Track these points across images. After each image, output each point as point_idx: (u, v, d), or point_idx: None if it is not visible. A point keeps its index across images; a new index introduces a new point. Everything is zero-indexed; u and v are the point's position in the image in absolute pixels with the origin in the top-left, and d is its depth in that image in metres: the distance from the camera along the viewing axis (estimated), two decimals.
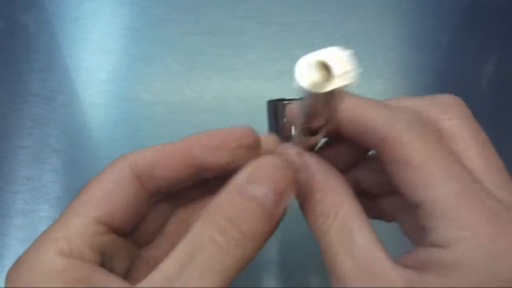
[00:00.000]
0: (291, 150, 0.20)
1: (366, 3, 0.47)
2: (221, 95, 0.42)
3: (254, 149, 0.22)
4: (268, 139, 0.23)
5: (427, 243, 0.17)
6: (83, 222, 0.19)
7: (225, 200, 0.18)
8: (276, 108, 0.26)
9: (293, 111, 0.22)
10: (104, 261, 0.19)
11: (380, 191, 0.24)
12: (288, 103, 0.25)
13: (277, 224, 0.19)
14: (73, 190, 0.40)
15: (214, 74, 0.43)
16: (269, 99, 0.27)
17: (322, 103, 0.16)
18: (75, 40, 0.45)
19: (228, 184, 0.18)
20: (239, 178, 0.18)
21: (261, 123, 0.41)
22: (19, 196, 0.39)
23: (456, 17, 0.47)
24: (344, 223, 0.19)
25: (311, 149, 0.22)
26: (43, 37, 0.45)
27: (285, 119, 0.25)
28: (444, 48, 0.45)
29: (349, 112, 0.20)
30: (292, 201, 0.21)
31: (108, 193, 0.20)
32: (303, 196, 0.20)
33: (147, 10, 0.47)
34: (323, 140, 0.22)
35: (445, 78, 0.43)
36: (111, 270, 0.19)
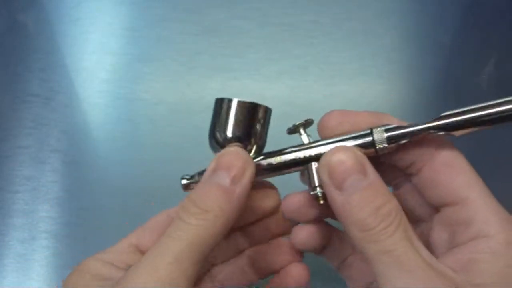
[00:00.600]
0: (350, 155, 0.23)
1: (366, 3, 0.47)
2: (221, 95, 0.42)
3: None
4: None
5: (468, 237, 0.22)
6: (122, 244, 0.27)
7: (194, 190, 0.24)
8: (252, 110, 0.27)
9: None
10: None
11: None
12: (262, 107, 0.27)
13: (239, 201, 0.23)
14: (73, 190, 0.40)
15: (214, 74, 0.43)
16: (223, 98, 0.27)
17: None
18: (75, 40, 0.45)
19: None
20: (206, 172, 0.24)
21: None
22: (19, 196, 0.39)
23: (457, 17, 0.47)
24: (405, 225, 0.22)
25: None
26: (43, 37, 0.45)
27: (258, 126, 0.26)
28: (445, 48, 0.45)
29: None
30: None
31: (145, 228, 0.28)
32: (360, 199, 0.22)
33: (147, 10, 0.47)
34: None
35: (445, 78, 0.43)
36: None
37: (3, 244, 0.38)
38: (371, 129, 0.25)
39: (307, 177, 0.26)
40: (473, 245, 0.22)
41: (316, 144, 0.26)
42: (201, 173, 0.27)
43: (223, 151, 0.25)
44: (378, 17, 0.46)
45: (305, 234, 0.27)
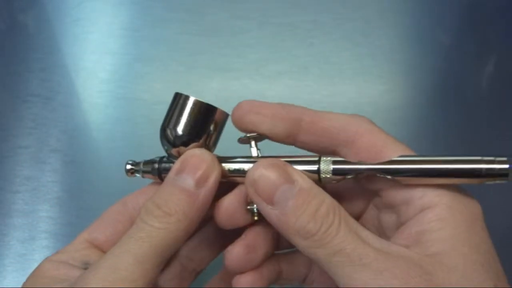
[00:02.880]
0: (271, 166, 0.23)
1: (366, 3, 0.47)
2: (221, 95, 0.42)
3: None
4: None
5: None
6: (76, 241, 0.26)
7: (157, 192, 0.24)
8: (207, 111, 0.26)
9: None
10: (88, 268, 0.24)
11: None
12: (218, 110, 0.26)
13: (203, 204, 0.23)
14: (73, 190, 0.40)
15: (214, 74, 0.43)
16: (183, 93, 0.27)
17: None
18: (75, 40, 0.45)
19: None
20: (170, 173, 0.24)
21: None
22: (19, 196, 0.39)
23: (457, 17, 0.47)
24: (346, 218, 0.22)
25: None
26: (43, 37, 0.45)
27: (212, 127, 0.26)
28: (445, 48, 0.45)
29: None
30: None
31: (100, 222, 0.27)
32: (295, 205, 0.22)
33: (147, 10, 0.47)
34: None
35: (445, 78, 0.43)
36: None
37: (3, 244, 0.38)
38: (320, 157, 0.24)
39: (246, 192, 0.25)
40: (419, 218, 0.21)
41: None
42: (147, 162, 0.27)
43: (188, 152, 0.24)
44: (378, 17, 0.46)
45: (247, 285, 0.26)
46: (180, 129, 0.25)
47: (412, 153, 0.22)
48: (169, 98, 0.43)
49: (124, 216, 0.27)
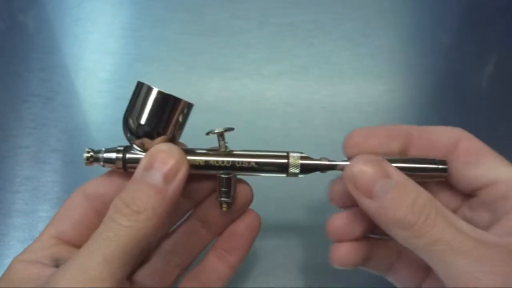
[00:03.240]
0: (370, 161, 0.24)
1: (366, 3, 0.47)
2: (221, 95, 0.42)
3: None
4: None
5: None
6: (43, 238, 0.26)
7: (125, 187, 0.24)
8: (170, 102, 0.26)
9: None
10: (59, 265, 0.24)
11: None
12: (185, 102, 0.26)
13: (171, 201, 0.23)
14: (73, 190, 0.40)
15: (214, 74, 0.43)
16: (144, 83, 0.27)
17: None
18: (75, 40, 0.45)
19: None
20: (137, 169, 0.24)
21: (261, 123, 0.41)
22: (19, 196, 0.39)
23: (456, 17, 0.47)
24: (442, 211, 0.23)
25: None
26: (43, 37, 0.45)
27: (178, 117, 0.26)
28: (445, 48, 0.45)
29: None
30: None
31: (62, 215, 0.27)
32: (393, 198, 0.23)
33: (147, 10, 0.47)
34: None
35: (445, 78, 0.43)
36: None
37: (3, 244, 0.38)
38: (288, 153, 0.26)
39: (217, 184, 0.26)
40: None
41: (225, 153, 0.26)
42: (109, 150, 0.26)
43: (156, 147, 0.24)
44: (378, 17, 0.46)
45: (343, 253, 0.27)
46: (143, 121, 0.25)
47: (503, 160, 0.25)
48: None
49: (86, 206, 0.27)
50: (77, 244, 0.26)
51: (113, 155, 0.26)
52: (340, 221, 0.27)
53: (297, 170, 0.26)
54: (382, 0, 0.47)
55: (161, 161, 0.24)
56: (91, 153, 0.26)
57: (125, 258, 0.22)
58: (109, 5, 0.47)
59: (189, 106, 0.26)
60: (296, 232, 0.36)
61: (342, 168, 0.26)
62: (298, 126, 0.41)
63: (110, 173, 0.28)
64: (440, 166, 0.25)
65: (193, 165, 0.26)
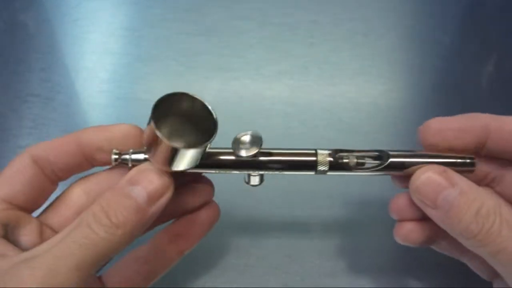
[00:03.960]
0: (433, 172, 0.24)
1: (366, 3, 0.47)
2: (221, 95, 0.42)
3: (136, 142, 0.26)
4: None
5: None
6: None
7: (106, 195, 0.23)
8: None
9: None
10: (8, 233, 0.24)
11: None
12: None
13: (149, 221, 0.24)
14: None
15: (214, 74, 0.43)
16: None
17: None
18: (75, 40, 0.45)
19: (114, 185, 0.24)
20: (123, 180, 0.24)
21: (261, 123, 0.41)
22: None
23: (457, 17, 0.47)
24: (509, 217, 0.22)
25: None
26: (43, 37, 0.45)
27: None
28: (445, 48, 0.45)
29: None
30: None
31: (9, 177, 0.25)
32: (457, 207, 0.23)
33: (147, 10, 0.47)
34: None
35: (445, 78, 0.43)
36: (16, 241, 0.24)
37: None
38: (316, 150, 0.26)
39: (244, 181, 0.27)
40: None
41: (264, 152, 0.26)
42: (135, 151, 0.26)
43: (145, 166, 0.24)
44: (378, 17, 0.46)
45: (407, 230, 0.27)
46: None
47: None
48: None
49: (36, 170, 0.26)
50: (26, 208, 0.26)
51: (141, 156, 0.26)
52: (403, 200, 0.27)
53: (326, 168, 0.25)
54: (382, 0, 0.47)
55: (148, 180, 0.24)
56: (118, 155, 0.26)
57: (96, 267, 0.22)
58: (109, 5, 0.47)
59: (206, 145, 0.25)
60: (297, 232, 0.36)
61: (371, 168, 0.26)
62: (298, 126, 0.41)
63: (60, 141, 0.27)
64: (468, 161, 0.26)
65: (221, 165, 0.26)
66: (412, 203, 0.26)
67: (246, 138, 0.25)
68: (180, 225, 0.29)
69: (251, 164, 0.26)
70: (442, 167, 0.25)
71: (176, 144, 0.23)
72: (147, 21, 0.46)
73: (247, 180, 0.27)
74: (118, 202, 0.23)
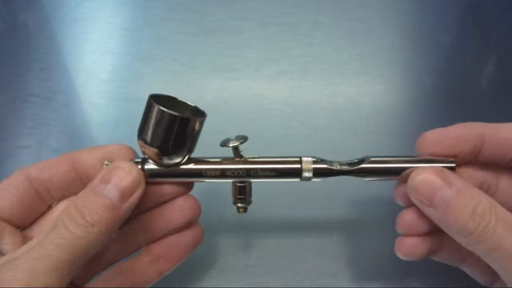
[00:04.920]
0: (430, 172, 0.25)
1: (366, 3, 0.47)
2: (221, 95, 0.42)
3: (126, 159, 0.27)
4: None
5: None
6: None
7: (81, 195, 0.24)
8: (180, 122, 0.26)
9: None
10: None
11: None
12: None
13: (123, 217, 0.24)
14: None
15: (214, 74, 0.43)
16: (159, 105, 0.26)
17: None
18: (75, 40, 0.45)
19: (88, 184, 0.25)
20: (95, 180, 0.25)
21: (261, 123, 0.41)
22: None
23: (457, 17, 0.47)
24: (503, 216, 0.23)
25: None
26: (43, 37, 0.45)
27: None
28: (445, 48, 0.45)
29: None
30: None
31: (1, 191, 0.26)
32: (454, 206, 0.24)
33: (147, 10, 0.47)
34: None
35: (445, 78, 0.43)
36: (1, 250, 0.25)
37: None
38: (300, 158, 0.27)
39: (232, 190, 0.28)
40: None
41: (241, 161, 0.27)
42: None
43: (117, 163, 0.25)
44: (378, 17, 0.46)
45: (408, 245, 0.28)
46: (155, 140, 0.26)
47: None
48: None
49: (28, 188, 0.27)
50: (13, 223, 0.26)
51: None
52: (410, 215, 0.27)
53: (310, 174, 0.27)
54: (382, 0, 0.47)
55: (119, 178, 0.24)
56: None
57: (74, 266, 0.23)
58: (109, 5, 0.47)
59: (201, 120, 0.27)
60: (296, 232, 0.36)
61: (360, 171, 0.27)
62: (298, 126, 0.41)
63: (56, 160, 0.28)
64: (449, 165, 0.26)
65: (209, 175, 0.27)
66: (419, 218, 0.27)
67: (233, 136, 0.27)
68: (162, 246, 0.29)
69: (237, 173, 0.27)
70: (439, 168, 0.25)
71: (175, 112, 0.24)
72: (147, 21, 0.46)
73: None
74: (92, 201, 0.24)
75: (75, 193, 0.27)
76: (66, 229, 0.23)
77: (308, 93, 0.42)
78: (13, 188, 0.27)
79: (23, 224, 0.28)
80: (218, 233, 0.35)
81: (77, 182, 0.28)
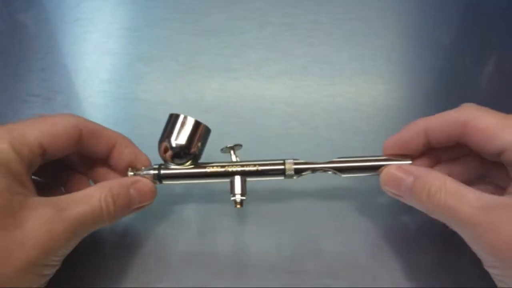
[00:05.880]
0: (393, 169, 0.31)
1: (366, 3, 0.47)
2: (221, 95, 0.42)
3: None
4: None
5: None
6: (31, 140, 0.28)
7: (115, 190, 0.29)
8: (200, 130, 0.32)
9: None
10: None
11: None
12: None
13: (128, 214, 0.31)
14: None
15: (214, 74, 0.43)
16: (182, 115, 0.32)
17: None
18: (75, 40, 0.45)
19: (123, 178, 0.32)
20: (128, 179, 0.31)
21: (261, 123, 0.41)
22: None
23: (456, 17, 0.47)
24: (453, 189, 0.28)
25: None
26: (43, 37, 0.45)
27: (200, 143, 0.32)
28: (445, 47, 0.45)
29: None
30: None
31: (54, 129, 0.29)
32: (415, 191, 0.29)
33: (147, 10, 0.47)
34: None
35: (445, 78, 0.43)
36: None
37: None
38: (284, 160, 0.33)
39: (230, 185, 0.33)
40: None
41: (239, 163, 0.33)
42: (147, 168, 0.33)
43: (149, 181, 0.32)
44: (378, 17, 0.46)
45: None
46: (175, 144, 0.31)
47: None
48: (169, 98, 0.43)
49: (74, 127, 0.30)
50: (49, 156, 0.29)
51: (151, 171, 0.32)
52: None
53: (292, 173, 0.33)
54: (382, 0, 0.47)
55: (146, 194, 0.32)
56: (134, 172, 0.33)
57: (84, 235, 0.29)
58: (109, 5, 0.47)
59: (208, 130, 0.32)
60: (296, 232, 0.36)
61: (328, 170, 0.33)
62: (298, 126, 0.41)
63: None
64: (405, 162, 0.32)
65: (212, 173, 0.33)
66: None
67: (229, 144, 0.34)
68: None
69: (234, 173, 0.33)
70: (403, 164, 0.31)
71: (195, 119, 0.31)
72: (147, 21, 0.46)
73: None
74: (122, 195, 0.30)
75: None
76: (101, 211, 0.28)
77: (308, 93, 0.42)
78: (62, 126, 0.29)
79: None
80: (218, 233, 0.35)
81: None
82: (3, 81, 0.43)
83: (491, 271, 0.27)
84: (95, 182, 0.34)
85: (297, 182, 0.34)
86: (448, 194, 0.27)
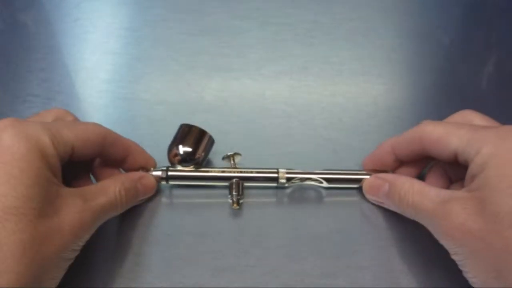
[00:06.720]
0: (372, 178, 0.36)
1: (366, 3, 0.47)
2: (221, 95, 0.42)
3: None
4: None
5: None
6: (65, 140, 0.29)
7: (126, 184, 0.33)
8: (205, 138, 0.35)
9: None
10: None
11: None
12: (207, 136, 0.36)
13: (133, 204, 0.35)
14: None
15: (214, 74, 0.43)
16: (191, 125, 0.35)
17: None
18: (75, 40, 0.45)
19: (131, 173, 0.35)
20: (137, 174, 0.35)
21: (261, 123, 0.41)
22: None
23: (457, 17, 0.47)
24: (419, 189, 0.31)
25: None
26: (43, 37, 0.45)
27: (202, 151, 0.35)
28: (445, 48, 0.45)
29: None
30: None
31: (85, 132, 0.31)
32: (390, 195, 0.33)
33: (147, 10, 0.47)
34: None
35: (445, 78, 0.43)
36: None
37: None
38: (277, 169, 0.36)
39: (229, 188, 0.35)
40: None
41: (237, 169, 0.36)
42: (156, 169, 0.36)
43: (152, 177, 0.35)
44: (378, 17, 0.46)
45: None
46: (182, 151, 0.35)
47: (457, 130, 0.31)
48: (169, 98, 0.43)
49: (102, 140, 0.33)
50: (75, 157, 0.31)
51: (159, 172, 0.35)
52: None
53: (284, 181, 0.35)
54: (382, 0, 0.47)
55: (151, 189, 0.36)
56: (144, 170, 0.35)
57: (99, 223, 0.31)
58: (109, 5, 0.47)
59: (212, 141, 0.36)
60: (296, 232, 0.36)
61: (314, 180, 0.35)
62: (298, 126, 0.41)
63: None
64: (364, 177, 0.36)
65: (214, 177, 0.36)
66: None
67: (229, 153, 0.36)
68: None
69: (232, 177, 0.35)
70: (379, 174, 0.35)
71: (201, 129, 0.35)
72: (147, 21, 0.46)
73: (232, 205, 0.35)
74: (132, 189, 0.33)
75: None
76: (115, 202, 0.31)
77: (308, 93, 0.42)
78: (95, 134, 0.32)
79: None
80: (218, 233, 0.35)
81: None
82: (3, 81, 0.43)
83: (455, 259, 0.29)
84: (94, 175, 0.36)
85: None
86: (415, 194, 0.31)
